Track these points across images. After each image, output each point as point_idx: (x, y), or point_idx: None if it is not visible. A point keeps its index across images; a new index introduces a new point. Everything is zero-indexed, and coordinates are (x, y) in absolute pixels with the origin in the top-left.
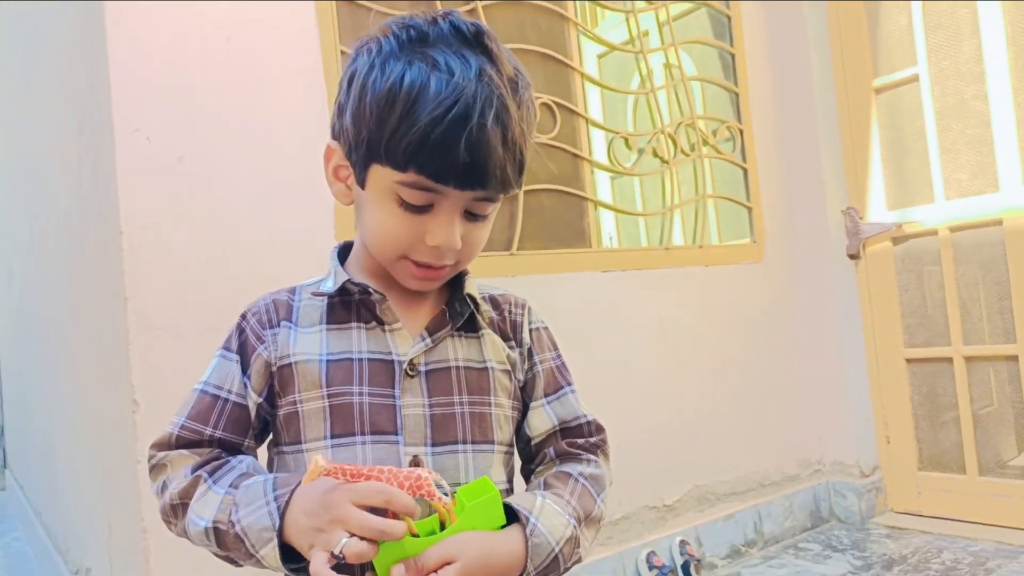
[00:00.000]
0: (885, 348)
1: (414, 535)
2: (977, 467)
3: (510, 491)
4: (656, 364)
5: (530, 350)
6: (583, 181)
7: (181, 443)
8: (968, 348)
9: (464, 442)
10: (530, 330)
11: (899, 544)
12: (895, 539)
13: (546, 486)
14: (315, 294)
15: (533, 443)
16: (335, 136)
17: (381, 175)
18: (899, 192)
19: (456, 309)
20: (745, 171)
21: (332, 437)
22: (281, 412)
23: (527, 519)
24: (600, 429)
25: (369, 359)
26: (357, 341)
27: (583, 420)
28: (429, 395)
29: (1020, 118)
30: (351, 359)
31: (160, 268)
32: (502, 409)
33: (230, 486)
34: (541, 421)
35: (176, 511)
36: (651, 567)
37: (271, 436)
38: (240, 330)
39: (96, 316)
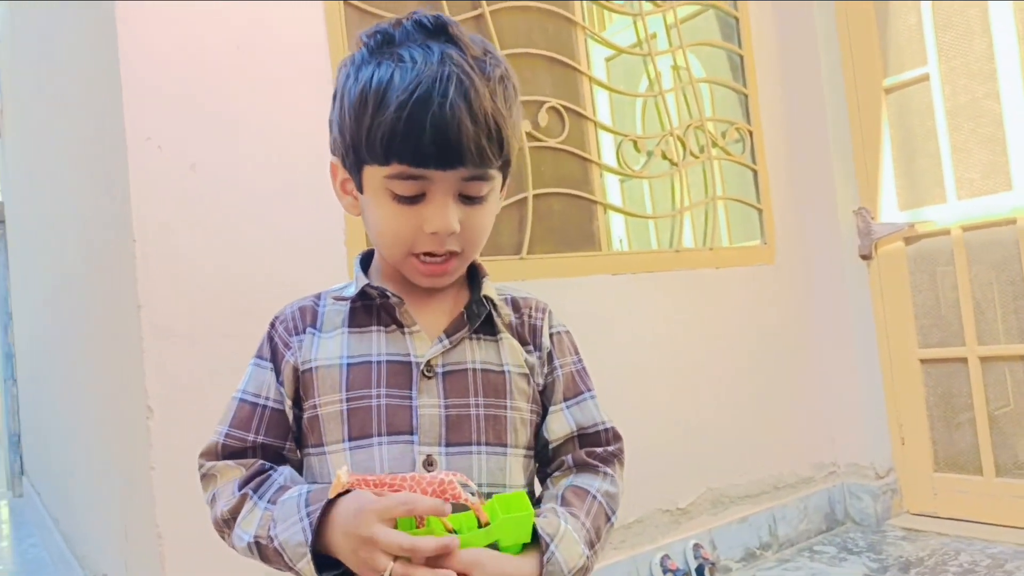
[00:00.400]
0: (899, 349)
1: (450, 531)
2: (994, 468)
3: (531, 495)
4: (667, 367)
5: (550, 354)
6: (592, 184)
7: (227, 452)
8: (983, 348)
9: (478, 443)
10: (550, 334)
11: (915, 546)
12: (911, 541)
13: (564, 502)
14: (337, 299)
15: (551, 447)
16: (333, 151)
17: (371, 175)
18: (910, 192)
19: (474, 311)
20: (755, 172)
21: (350, 440)
22: (305, 416)
23: (547, 546)
24: (618, 437)
25: (388, 361)
26: (377, 344)
27: (601, 427)
28: (445, 396)
29: None
30: (370, 362)
31: (173, 275)
32: (519, 412)
33: (269, 501)
34: (559, 426)
35: (227, 525)
36: (665, 571)
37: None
38: (270, 338)
39: (110, 323)
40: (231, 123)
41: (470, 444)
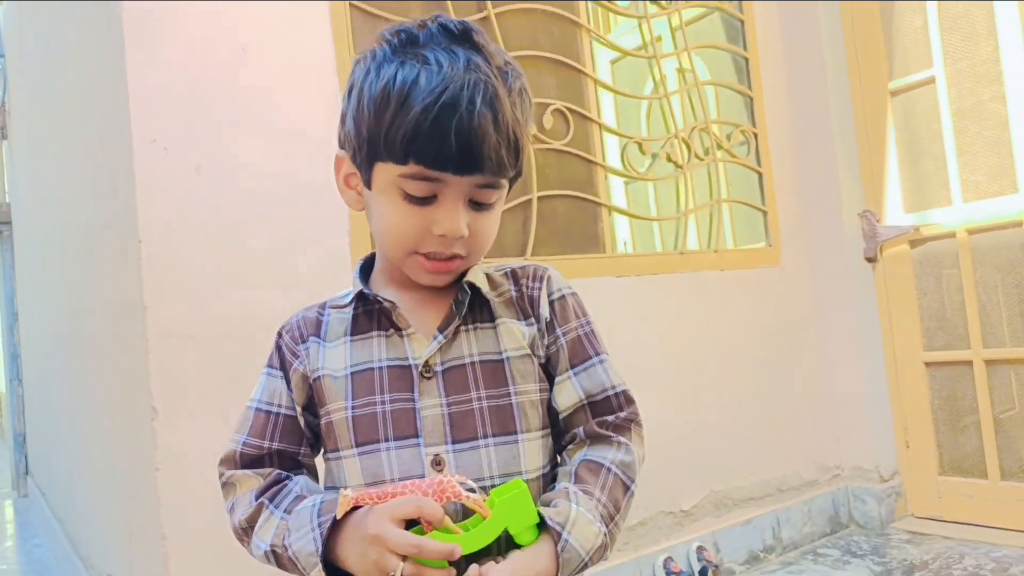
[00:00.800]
0: (904, 352)
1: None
2: (999, 471)
3: (553, 476)
4: (671, 369)
5: (549, 323)
6: (597, 186)
7: (245, 460)
8: (988, 351)
9: (485, 436)
10: (551, 301)
11: (920, 550)
12: (916, 544)
13: (577, 479)
14: (334, 307)
15: (561, 417)
16: (341, 145)
17: (384, 172)
18: (916, 195)
19: (459, 299)
20: (760, 175)
21: (358, 446)
22: (322, 422)
23: (558, 535)
24: (630, 400)
25: (389, 366)
26: (378, 350)
27: (611, 392)
28: (446, 394)
29: None
30: (372, 368)
31: (178, 276)
32: (527, 396)
33: (285, 511)
34: (567, 395)
35: (245, 534)
36: (668, 573)
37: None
38: (278, 347)
39: (115, 324)
40: (236, 125)
41: (476, 439)
